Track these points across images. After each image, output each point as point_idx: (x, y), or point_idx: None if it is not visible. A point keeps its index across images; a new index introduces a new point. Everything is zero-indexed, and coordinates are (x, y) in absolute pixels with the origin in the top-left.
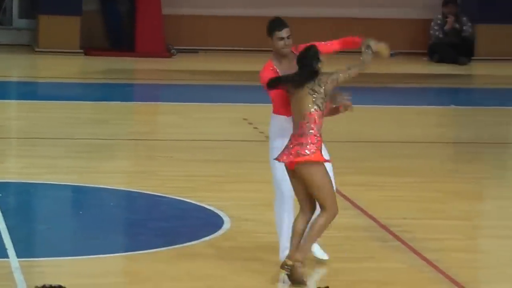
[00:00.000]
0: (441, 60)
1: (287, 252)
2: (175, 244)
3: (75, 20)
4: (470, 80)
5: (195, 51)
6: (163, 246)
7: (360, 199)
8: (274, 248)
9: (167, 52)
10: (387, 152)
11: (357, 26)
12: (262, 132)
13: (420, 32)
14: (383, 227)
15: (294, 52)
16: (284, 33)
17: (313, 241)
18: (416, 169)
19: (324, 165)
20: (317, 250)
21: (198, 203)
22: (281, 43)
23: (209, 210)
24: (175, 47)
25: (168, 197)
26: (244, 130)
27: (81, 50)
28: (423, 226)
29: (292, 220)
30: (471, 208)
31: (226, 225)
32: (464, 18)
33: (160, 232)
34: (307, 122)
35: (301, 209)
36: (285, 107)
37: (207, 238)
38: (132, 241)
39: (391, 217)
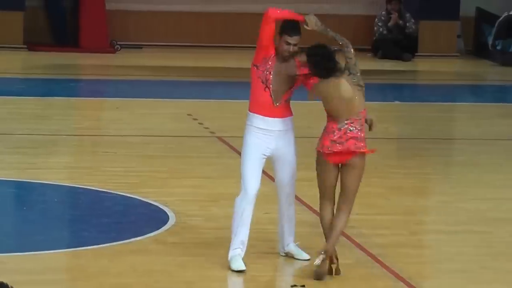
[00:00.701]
0: (385, 56)
1: (238, 251)
2: (119, 240)
3: (18, 15)
4: (413, 76)
5: (139, 47)
6: (107, 242)
7: (306, 195)
8: (219, 243)
9: (111, 48)
10: None
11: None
12: (207, 128)
13: (364, 28)
14: None
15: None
16: (293, 40)
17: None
18: None
19: None
20: (298, 251)
21: (143, 199)
22: (287, 47)
23: (154, 205)
24: (119, 43)
25: (112, 193)
26: (188, 125)
27: (25, 46)
28: (368, 221)
29: (250, 221)
30: (415, 203)
31: (171, 220)
32: (408, 15)
33: (104, 228)
34: (360, 119)
35: (330, 200)
36: (261, 107)
37: (151, 234)
38: (75, 237)
39: None
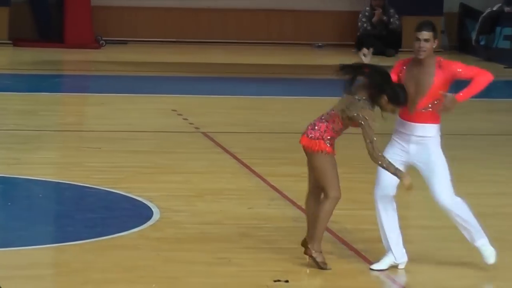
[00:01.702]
0: None
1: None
2: (104, 235)
3: (3, 11)
4: None
5: (124, 42)
6: (92, 237)
7: (290, 190)
8: (203, 238)
9: (96, 43)
10: None
11: (287, 18)
12: (191, 123)
13: (348, 24)
14: None
15: (438, 63)
16: (422, 35)
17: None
18: (344, 160)
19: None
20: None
21: (127, 194)
22: (416, 44)
23: (138, 201)
24: (104, 38)
25: (96, 188)
26: (173, 121)
27: (10, 41)
28: (352, 216)
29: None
30: (398, 198)
31: (155, 216)
32: (391, 10)
33: (88, 223)
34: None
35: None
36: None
37: (136, 229)
38: (60, 233)
39: None
